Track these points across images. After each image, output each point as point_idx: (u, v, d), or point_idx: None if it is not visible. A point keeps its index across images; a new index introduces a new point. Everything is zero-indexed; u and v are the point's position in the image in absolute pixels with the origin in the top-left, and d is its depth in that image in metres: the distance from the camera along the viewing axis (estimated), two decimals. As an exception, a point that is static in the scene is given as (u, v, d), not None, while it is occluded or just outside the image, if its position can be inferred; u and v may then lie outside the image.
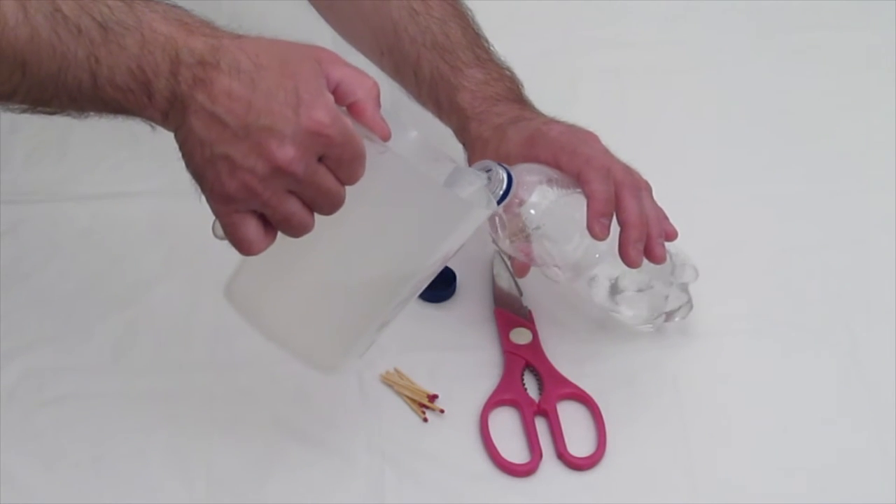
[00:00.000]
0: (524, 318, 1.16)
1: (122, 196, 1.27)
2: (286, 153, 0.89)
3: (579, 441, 1.09)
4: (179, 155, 0.92)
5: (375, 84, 0.93)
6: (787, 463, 1.08)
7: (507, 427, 1.10)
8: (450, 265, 1.19)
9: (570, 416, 1.10)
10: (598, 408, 1.10)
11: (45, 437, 1.09)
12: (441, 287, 1.19)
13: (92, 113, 0.93)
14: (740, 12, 1.45)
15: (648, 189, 1.10)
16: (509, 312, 1.17)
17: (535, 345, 1.15)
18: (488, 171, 1.05)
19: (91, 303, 1.18)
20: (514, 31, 1.45)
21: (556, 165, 1.09)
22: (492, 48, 1.20)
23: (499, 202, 1.05)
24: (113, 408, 1.11)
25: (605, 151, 1.10)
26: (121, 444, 1.09)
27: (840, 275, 1.21)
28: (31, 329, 1.16)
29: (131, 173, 1.29)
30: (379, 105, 0.93)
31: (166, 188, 1.27)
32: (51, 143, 1.32)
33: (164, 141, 1.31)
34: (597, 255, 1.09)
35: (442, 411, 1.10)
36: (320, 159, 0.90)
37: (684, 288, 1.14)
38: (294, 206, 0.91)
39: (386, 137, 0.94)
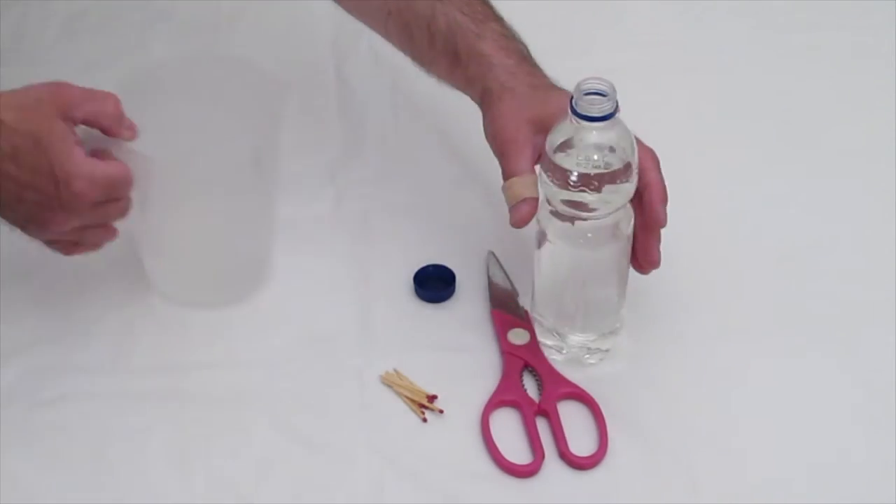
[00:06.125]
0: (521, 318, 1.16)
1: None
2: (60, 222, 1.06)
3: (580, 441, 1.09)
4: None
5: (115, 100, 1.07)
6: (787, 463, 1.08)
7: (507, 428, 1.10)
8: (449, 265, 1.19)
9: (571, 415, 1.10)
10: (598, 407, 1.10)
11: (45, 437, 1.09)
12: (440, 287, 1.19)
13: None
14: (740, 12, 1.45)
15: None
16: (506, 313, 1.17)
17: (534, 345, 1.14)
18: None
19: (91, 303, 1.18)
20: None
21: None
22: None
23: (604, 118, 1.05)
24: (113, 408, 1.11)
25: None
26: (121, 444, 1.09)
27: (840, 275, 1.21)
28: (31, 329, 1.16)
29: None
30: (122, 115, 1.07)
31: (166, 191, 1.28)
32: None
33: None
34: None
35: (441, 411, 1.10)
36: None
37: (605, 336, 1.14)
38: (89, 238, 1.11)
39: (134, 136, 1.08)
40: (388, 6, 1.20)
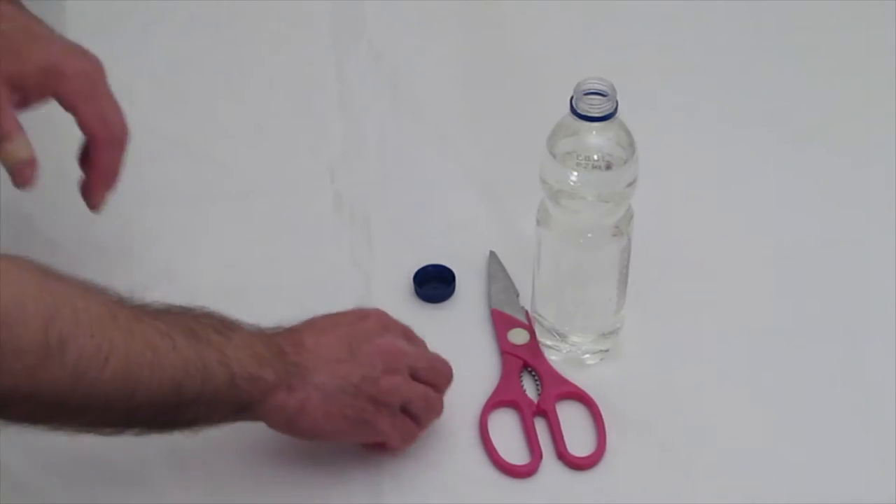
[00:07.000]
0: (521, 318, 1.16)
1: (121, 199, 1.27)
2: (399, 345, 1.04)
3: (579, 441, 1.09)
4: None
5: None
6: (787, 463, 1.07)
7: (506, 428, 1.10)
8: (449, 265, 1.19)
9: (570, 415, 1.10)
10: (597, 407, 1.10)
11: (45, 437, 1.09)
12: (440, 287, 1.19)
13: (214, 423, 1.01)
14: (740, 12, 1.45)
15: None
16: (506, 313, 1.17)
17: (533, 345, 1.14)
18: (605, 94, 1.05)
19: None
20: (515, 30, 1.45)
21: (73, 109, 1.10)
22: None
23: (604, 118, 1.05)
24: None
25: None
26: (121, 444, 1.08)
27: (840, 275, 1.21)
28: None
29: (131, 177, 1.29)
30: None
31: (166, 192, 1.28)
32: (51, 147, 1.32)
33: (163, 151, 1.32)
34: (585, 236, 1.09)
35: None
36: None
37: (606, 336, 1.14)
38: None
39: None
40: None
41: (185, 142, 1.31)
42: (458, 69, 1.41)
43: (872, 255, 1.22)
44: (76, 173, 1.29)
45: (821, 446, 1.09)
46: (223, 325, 1.00)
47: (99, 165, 1.11)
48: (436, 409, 1.06)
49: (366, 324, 1.04)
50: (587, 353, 1.14)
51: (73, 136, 1.32)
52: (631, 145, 1.06)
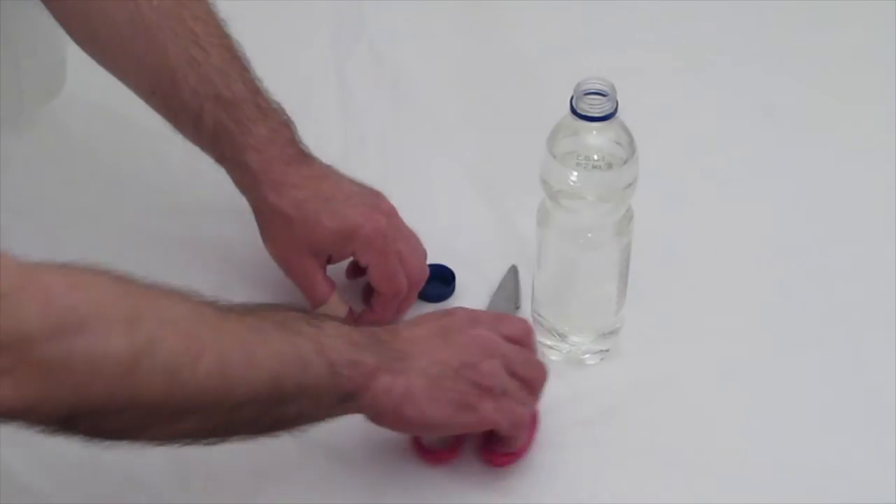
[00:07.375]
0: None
1: (122, 198, 1.27)
2: (491, 335, 1.04)
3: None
4: None
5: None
6: (787, 463, 1.08)
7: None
8: (449, 265, 1.20)
9: (570, 415, 1.11)
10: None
11: (45, 437, 1.09)
12: (440, 286, 1.19)
13: (320, 418, 1.00)
14: (739, 12, 1.45)
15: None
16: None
17: (533, 345, 1.14)
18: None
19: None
20: (515, 30, 1.45)
21: (366, 265, 1.14)
22: (264, 88, 1.17)
23: (604, 118, 1.05)
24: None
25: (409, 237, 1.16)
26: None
27: (840, 275, 1.21)
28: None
29: (132, 176, 1.29)
30: None
31: (167, 191, 1.28)
32: (52, 148, 1.32)
33: (165, 152, 1.32)
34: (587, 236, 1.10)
35: None
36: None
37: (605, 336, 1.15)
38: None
39: None
40: (153, 87, 1.15)
41: (185, 141, 1.31)
42: (458, 69, 1.41)
43: (872, 255, 1.22)
44: (77, 174, 1.30)
45: (821, 446, 1.09)
46: (313, 318, 0.99)
47: (378, 312, 1.16)
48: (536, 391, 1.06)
49: (454, 318, 1.05)
50: (587, 353, 1.14)
51: (75, 136, 1.33)
52: (631, 145, 1.06)
